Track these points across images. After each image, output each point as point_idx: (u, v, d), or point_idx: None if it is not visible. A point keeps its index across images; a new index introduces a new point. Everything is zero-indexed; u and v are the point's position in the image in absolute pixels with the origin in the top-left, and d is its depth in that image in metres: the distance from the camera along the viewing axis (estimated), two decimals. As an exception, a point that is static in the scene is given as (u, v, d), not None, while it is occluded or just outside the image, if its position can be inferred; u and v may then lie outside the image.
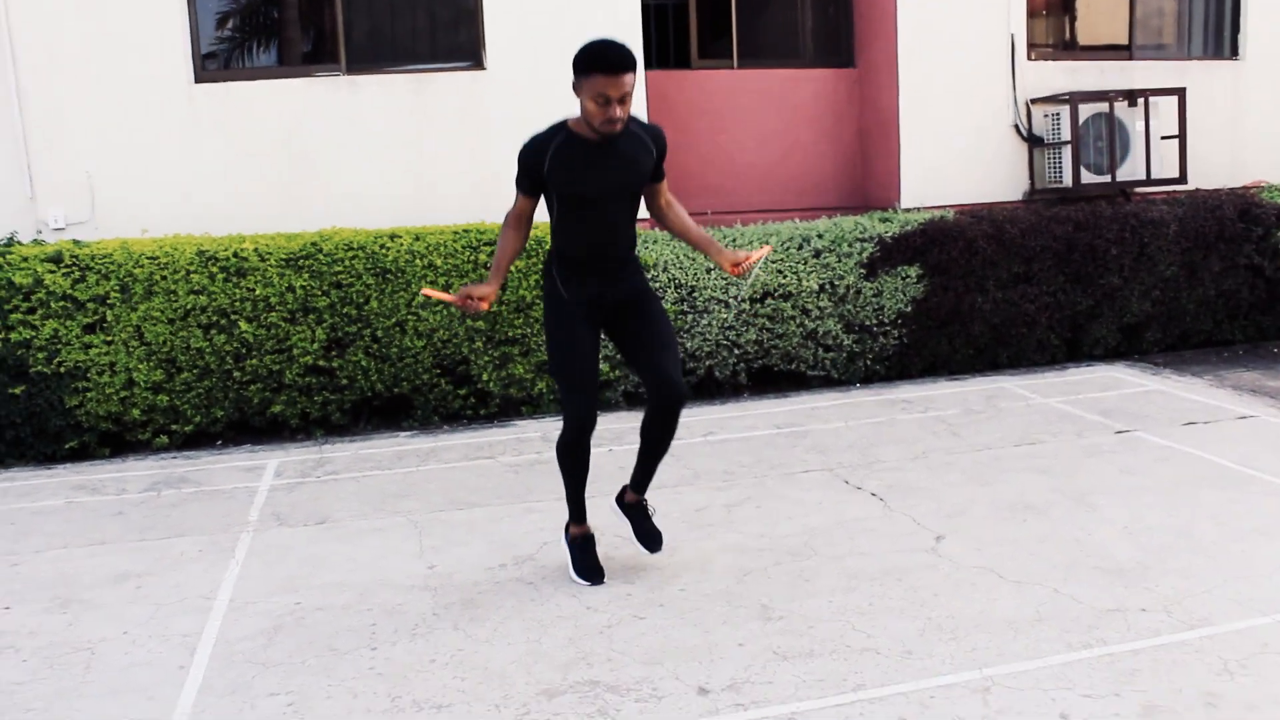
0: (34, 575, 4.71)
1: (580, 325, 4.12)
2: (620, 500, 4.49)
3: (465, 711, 3.30)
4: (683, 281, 7.07)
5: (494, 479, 5.69)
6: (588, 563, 4.31)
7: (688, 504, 5.13)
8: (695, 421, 6.61)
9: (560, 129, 3.98)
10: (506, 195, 7.71)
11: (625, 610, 3.98)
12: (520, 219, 4.14)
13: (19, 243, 6.95)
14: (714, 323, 7.12)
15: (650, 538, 4.38)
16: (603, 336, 4.28)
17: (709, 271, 7.10)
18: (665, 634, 3.77)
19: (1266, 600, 3.81)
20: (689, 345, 7.11)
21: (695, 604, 4.01)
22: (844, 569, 4.28)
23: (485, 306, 4.03)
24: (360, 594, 4.27)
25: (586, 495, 4.36)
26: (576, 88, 3.85)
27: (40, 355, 6.49)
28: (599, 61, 3.75)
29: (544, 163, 3.95)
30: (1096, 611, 3.78)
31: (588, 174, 3.94)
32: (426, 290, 4.08)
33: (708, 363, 7.21)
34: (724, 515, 4.95)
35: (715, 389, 7.31)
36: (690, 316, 7.09)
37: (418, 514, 5.16)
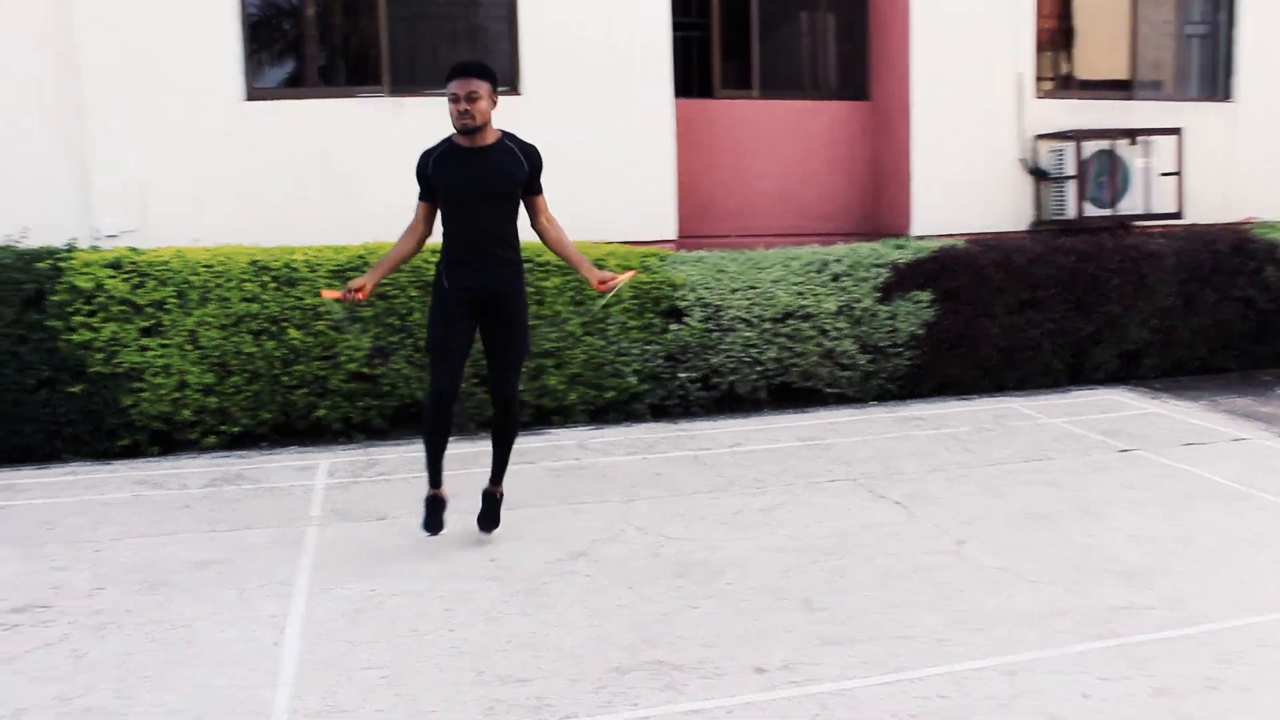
0: (118, 560, 5.06)
1: (454, 311, 4.81)
2: (485, 490, 5.23)
3: (546, 685, 3.67)
4: (709, 301, 7.46)
5: (537, 483, 6.07)
6: (432, 519, 5.06)
7: (724, 508, 5.51)
8: (721, 433, 7.01)
9: (445, 141, 4.80)
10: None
11: (679, 601, 4.35)
12: (415, 225, 4.92)
13: (79, 248, 7.29)
14: (737, 341, 7.51)
15: (486, 521, 5.19)
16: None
17: (734, 292, 7.49)
18: (719, 621, 4.15)
19: (1261, 601, 4.23)
20: (714, 361, 7.49)
21: (743, 596, 4.39)
22: (875, 568, 4.67)
23: (361, 297, 4.76)
24: (431, 583, 4.64)
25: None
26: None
27: (99, 356, 6.84)
28: (450, 71, 4.65)
29: (428, 167, 4.76)
30: (1108, 608, 4.18)
31: (459, 175, 4.70)
32: (324, 293, 4.95)
33: (730, 378, 7.60)
34: (759, 519, 5.33)
35: (737, 403, 7.69)
36: (715, 334, 7.48)
37: (469, 514, 5.49)
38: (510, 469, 6.31)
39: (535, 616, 4.26)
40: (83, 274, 6.88)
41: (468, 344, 4.92)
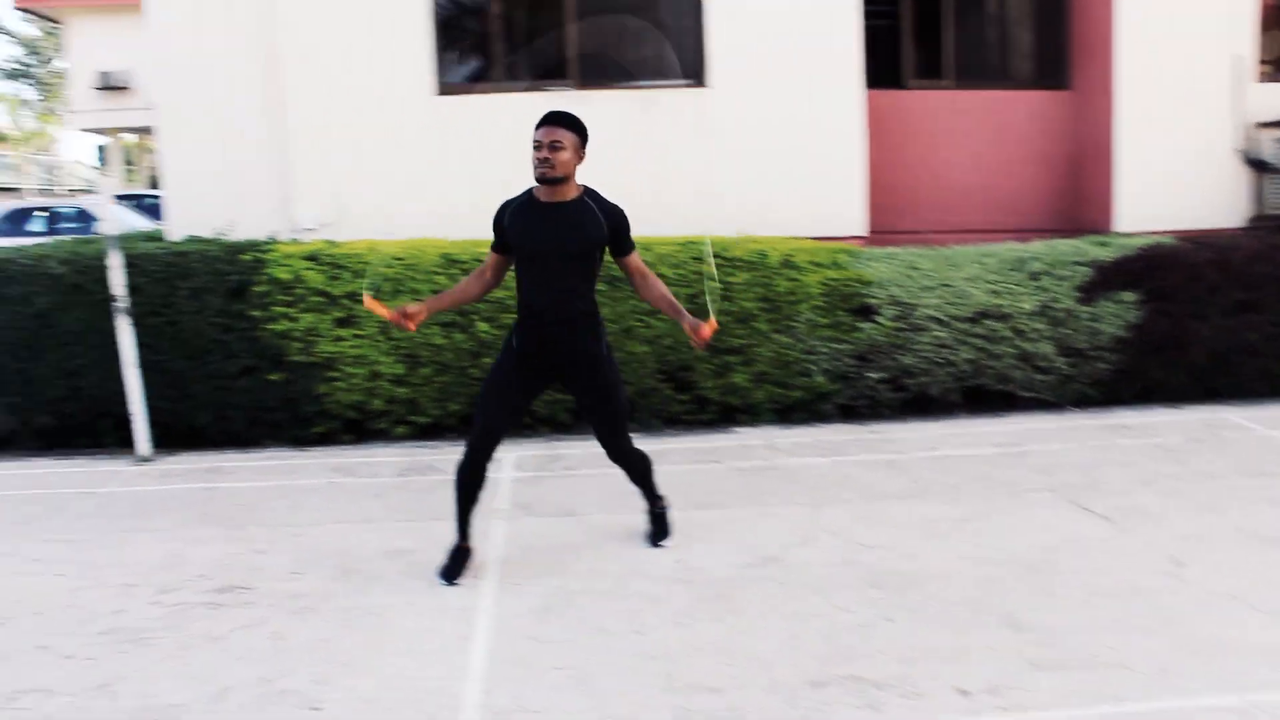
0: (315, 546, 5.18)
1: (514, 369, 4.64)
2: (645, 509, 5.17)
3: (739, 695, 3.57)
4: (901, 299, 7.23)
5: (724, 482, 5.97)
6: (450, 568, 4.74)
7: (919, 515, 5.30)
8: (914, 437, 6.78)
9: (525, 194, 4.62)
10: (730, 208, 8.11)
11: (874, 612, 4.19)
12: (483, 271, 4.78)
13: (279, 242, 7.54)
14: (929, 341, 7.25)
15: (654, 536, 5.10)
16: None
17: (926, 290, 7.24)
18: (917, 635, 3.97)
19: None
20: (905, 361, 7.25)
21: (942, 609, 4.19)
22: (1084, 585, 4.40)
23: (411, 327, 4.53)
24: (619, 582, 4.59)
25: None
26: None
27: (297, 345, 7.05)
28: (539, 121, 4.51)
29: (504, 219, 4.60)
30: (1352, 643, 3.83)
31: (535, 231, 4.50)
32: (367, 300, 4.61)
33: (922, 379, 7.35)
34: (957, 528, 5.11)
35: (927, 405, 7.43)
36: (906, 333, 7.24)
37: (657, 510, 5.46)
38: (695, 466, 6.29)
39: (725, 622, 4.17)
40: (282, 266, 7.10)
41: (519, 401, 4.73)
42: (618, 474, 6.08)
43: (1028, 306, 7.34)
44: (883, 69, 9.49)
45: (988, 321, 7.32)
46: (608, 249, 4.61)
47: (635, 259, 4.67)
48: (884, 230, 8.74)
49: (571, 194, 4.55)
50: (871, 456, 6.41)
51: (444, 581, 4.66)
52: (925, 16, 9.45)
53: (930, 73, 9.47)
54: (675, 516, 5.33)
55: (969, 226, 8.97)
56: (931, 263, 7.44)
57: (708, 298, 5.11)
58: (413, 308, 4.56)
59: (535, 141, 4.45)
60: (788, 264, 7.17)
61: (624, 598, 4.43)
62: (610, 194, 8.33)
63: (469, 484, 4.64)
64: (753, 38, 8.26)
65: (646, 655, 3.90)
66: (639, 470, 4.99)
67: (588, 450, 6.62)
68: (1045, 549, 4.81)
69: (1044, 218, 9.42)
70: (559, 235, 4.48)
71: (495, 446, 4.61)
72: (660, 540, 5.05)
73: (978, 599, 4.28)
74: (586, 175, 8.21)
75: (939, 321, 7.26)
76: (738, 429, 7.12)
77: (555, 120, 4.49)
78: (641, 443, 6.77)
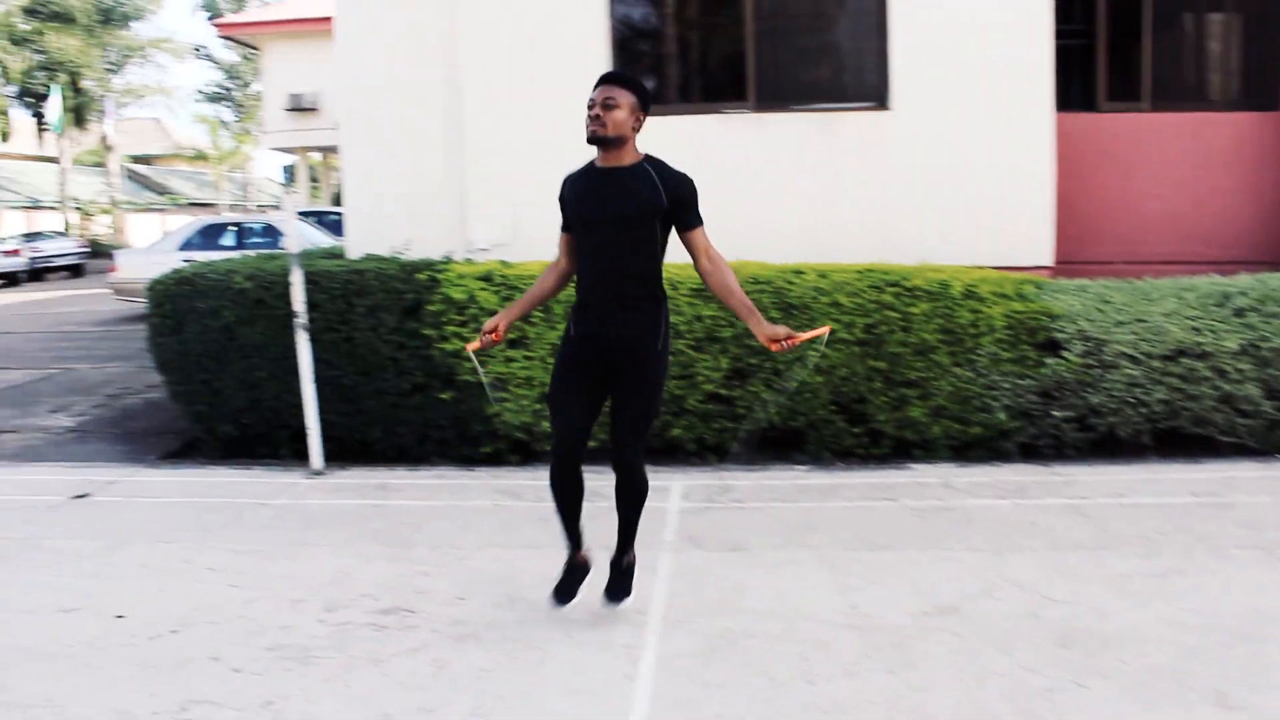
0: (480, 570, 5.15)
1: (576, 360, 4.25)
2: (611, 558, 4.57)
3: (916, 758, 3.34)
4: (1090, 334, 6.82)
5: (899, 522, 5.70)
6: (563, 587, 4.48)
7: (1111, 569, 4.94)
8: (1101, 481, 6.37)
9: (588, 164, 4.26)
10: (907, 235, 7.84)
11: (1063, 674, 3.89)
12: (558, 259, 4.42)
13: (454, 261, 7.60)
14: (1120, 379, 6.83)
15: (612, 592, 4.52)
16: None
17: (1119, 325, 6.82)
18: (1111, 706, 3.66)
19: None
20: (1093, 400, 6.85)
21: (1139, 678, 3.86)
22: (1303, 659, 4.01)
23: (495, 339, 4.35)
24: (787, 625, 4.39)
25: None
26: None
27: (468, 365, 7.08)
28: (596, 81, 4.17)
29: (564, 191, 4.28)
30: None
31: (587, 198, 4.17)
32: (469, 346, 4.48)
33: (1110, 419, 6.92)
34: (1153, 586, 4.73)
35: (1116, 447, 7.00)
36: (1096, 370, 6.83)
37: (829, 550, 5.24)
38: (869, 503, 6.04)
39: (899, 675, 3.93)
40: (457, 285, 7.15)
41: (593, 398, 4.27)
42: (790, 508, 5.95)
43: (1231, 345, 6.84)
44: (1072, 91, 9.07)
45: (1186, 360, 6.84)
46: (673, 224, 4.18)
47: (701, 237, 4.17)
48: (1069, 261, 8.32)
49: (629, 159, 4.15)
50: (1055, 500, 6.04)
51: (556, 602, 4.43)
52: (1122, 35, 8.98)
53: (1126, 94, 8.99)
54: (840, 557, 5.12)
55: (1164, 258, 8.46)
56: (1125, 296, 7.01)
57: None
58: (490, 323, 4.34)
59: (589, 101, 4.11)
60: (971, 294, 6.85)
61: (793, 642, 4.23)
62: (783, 219, 8.23)
63: (564, 493, 4.31)
64: (938, 58, 7.96)
65: (815, 707, 3.70)
66: (634, 495, 4.38)
67: (759, 482, 6.49)
68: (1257, 616, 4.40)
69: (1249, 249, 8.83)
70: (611, 202, 4.10)
71: (582, 445, 4.23)
72: (619, 599, 4.50)
73: (1179, 669, 3.93)
74: (758, 195, 8.09)
75: (1132, 359, 6.83)
76: (912, 465, 6.83)
77: (612, 79, 4.17)
78: (811, 475, 6.65)
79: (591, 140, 4.11)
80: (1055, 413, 6.90)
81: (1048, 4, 7.86)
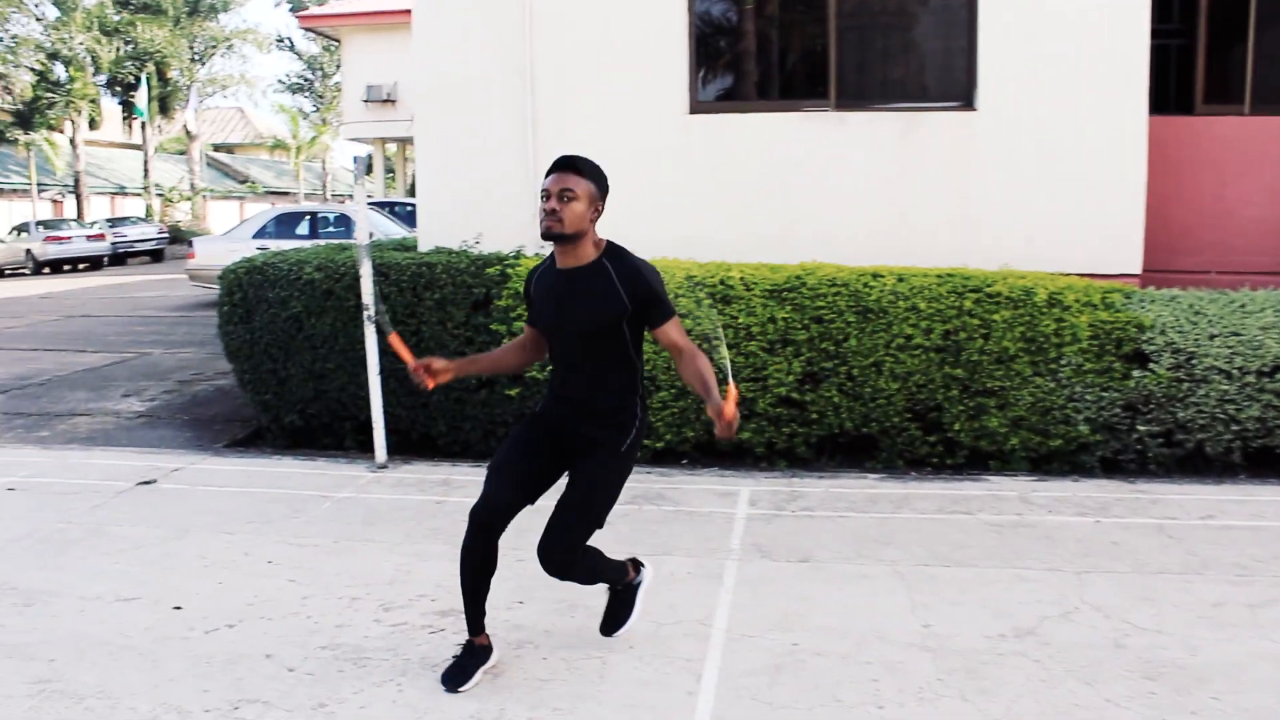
0: (539, 573, 4.85)
1: (531, 438, 3.85)
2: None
3: (992, 795, 3.15)
4: (1181, 346, 6.54)
5: (975, 537, 5.48)
6: (454, 671, 3.93)
7: (1200, 596, 4.68)
8: (1189, 500, 6.09)
9: (550, 257, 3.83)
10: (987, 239, 7.59)
11: (1152, 711, 3.66)
12: (523, 343, 4.04)
13: (525, 256, 7.50)
14: (1212, 394, 6.53)
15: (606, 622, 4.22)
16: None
17: (1212, 338, 6.52)
18: (1204, 745, 3.45)
19: None
20: (1181, 415, 6.56)
21: (1233, 718, 3.63)
22: None
23: (430, 384, 3.79)
24: (856, 644, 4.21)
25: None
26: None
27: (537, 363, 6.95)
28: (550, 167, 3.70)
29: (530, 288, 3.91)
30: None
31: (547, 303, 3.78)
32: (394, 339, 3.88)
33: (1199, 436, 6.63)
34: (1247, 616, 4.47)
35: (1204, 465, 6.70)
36: (1185, 385, 6.54)
37: (901, 565, 5.04)
38: (944, 515, 5.82)
39: (973, 703, 3.73)
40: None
41: (537, 476, 3.82)
42: (861, 519, 5.76)
43: (1332, 362, 6.52)
44: (1167, 92, 8.75)
45: (1283, 376, 6.54)
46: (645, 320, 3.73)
47: (671, 332, 3.70)
48: (1159, 269, 8.00)
49: (588, 256, 3.68)
50: (1139, 520, 5.77)
51: (445, 685, 3.87)
52: (1223, 34, 8.63)
53: (1225, 96, 8.63)
54: (913, 573, 4.93)
55: (1262, 268, 8.11)
56: (1219, 308, 6.70)
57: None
58: (439, 364, 3.82)
59: (543, 191, 3.65)
60: (1055, 302, 6.59)
61: (862, 663, 4.05)
62: (861, 219, 8.02)
63: (471, 566, 3.82)
64: (1028, 58, 7.70)
65: (887, 734, 3.53)
66: (586, 575, 3.95)
67: (828, 490, 6.31)
68: (1359, 651, 4.14)
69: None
70: (574, 310, 3.69)
71: (503, 520, 3.75)
72: (616, 628, 4.18)
73: (1278, 710, 3.69)
74: (836, 195, 7.89)
75: (1224, 374, 6.53)
76: (988, 477, 6.59)
77: (568, 165, 3.66)
78: (883, 485, 6.43)
79: (546, 237, 3.65)
80: (1140, 427, 6.62)
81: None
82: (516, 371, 4.19)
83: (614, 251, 3.72)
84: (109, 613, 4.63)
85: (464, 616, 3.94)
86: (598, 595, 4.57)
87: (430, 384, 3.79)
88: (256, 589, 4.87)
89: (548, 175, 3.68)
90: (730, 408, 3.46)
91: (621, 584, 4.16)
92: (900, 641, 4.24)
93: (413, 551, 5.35)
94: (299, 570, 5.10)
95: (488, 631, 4.00)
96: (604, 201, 3.72)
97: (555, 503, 3.76)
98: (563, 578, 3.84)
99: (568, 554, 3.76)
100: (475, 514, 3.75)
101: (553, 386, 3.91)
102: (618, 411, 3.78)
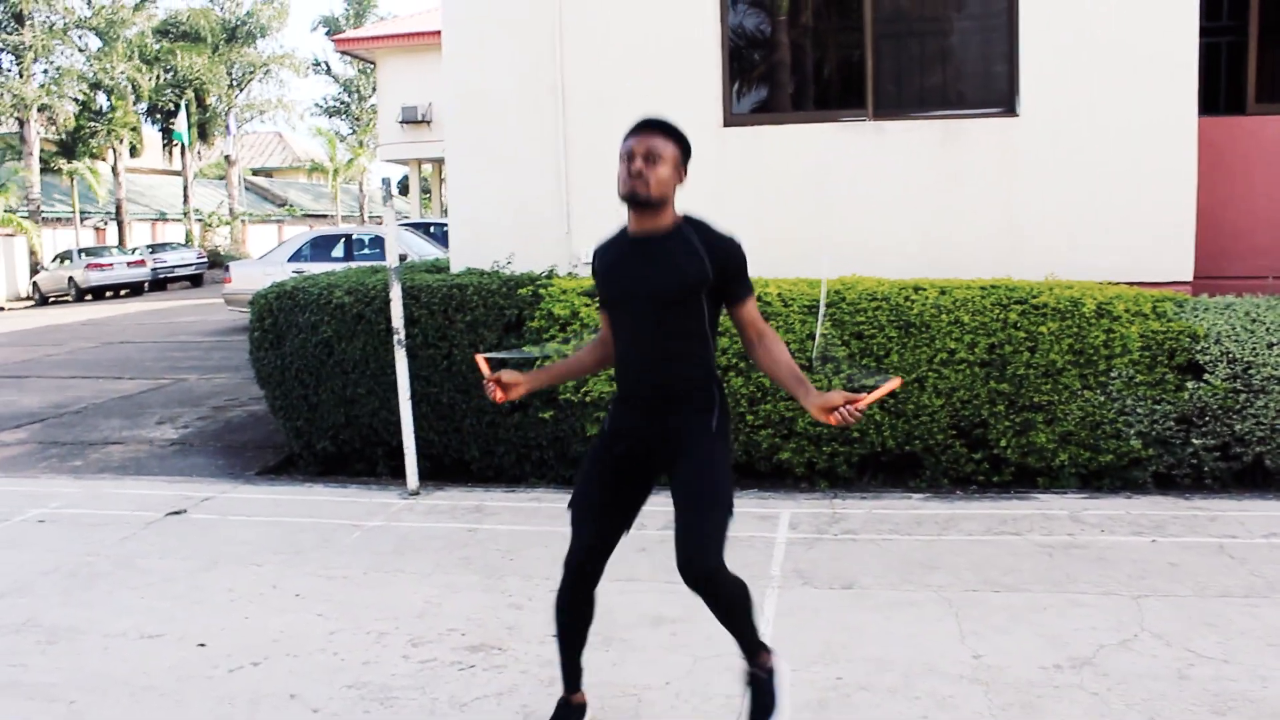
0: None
1: (612, 458, 3.50)
2: (742, 669, 3.66)
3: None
4: (1237, 356, 6.29)
5: (1026, 560, 5.26)
6: None
7: (1268, 621, 4.44)
8: (1250, 517, 5.83)
9: (620, 230, 3.52)
10: (1031, 250, 7.37)
11: (1222, 747, 3.46)
12: (603, 334, 3.65)
13: (557, 275, 7.37)
14: (1271, 405, 6.27)
15: (753, 714, 3.53)
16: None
17: (1271, 347, 6.27)
18: (1280, 787, 3.22)
19: None
20: (1238, 427, 6.30)
21: (1310, 753, 3.41)
22: None
23: (500, 398, 3.52)
24: (904, 677, 4.02)
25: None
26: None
27: (569, 384, 6.82)
28: (632, 127, 3.42)
29: (595, 263, 3.58)
30: None
31: (621, 272, 3.44)
32: (478, 358, 3.63)
33: (1258, 449, 6.36)
34: (1319, 642, 4.24)
35: (1264, 480, 6.44)
36: (1244, 396, 6.29)
37: (949, 590, 4.84)
38: (992, 537, 5.60)
39: (1032, 741, 3.54)
40: (560, 301, 6.92)
41: (624, 506, 3.52)
42: (906, 542, 5.55)
43: (1397, 370, 6.24)
44: (1217, 92, 8.48)
45: (1346, 386, 6.27)
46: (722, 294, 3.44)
47: (750, 310, 3.43)
48: (1210, 276, 7.73)
49: (667, 223, 3.40)
50: (1198, 539, 5.53)
51: None
52: (1271, 32, 8.35)
53: (1274, 95, 8.35)
54: (962, 599, 4.71)
55: (1320, 274, 7.82)
56: (1277, 315, 6.45)
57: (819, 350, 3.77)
58: (510, 377, 3.53)
59: (626, 151, 3.37)
60: (1104, 313, 6.37)
61: (910, 698, 3.85)
62: (901, 231, 7.82)
63: (568, 618, 3.57)
64: (1071, 62, 7.47)
65: (937, 776, 3.34)
66: (727, 605, 3.45)
67: (871, 511, 6.11)
68: None
69: None
70: (650, 276, 3.37)
71: (599, 562, 3.50)
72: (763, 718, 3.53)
73: (1357, 742, 3.47)
74: (875, 206, 7.70)
75: (1285, 384, 6.28)
76: (1037, 495, 6.36)
77: (654, 126, 3.41)
78: (928, 505, 6.22)
79: (627, 199, 3.36)
80: (1195, 441, 6.37)
81: None
82: (595, 372, 3.93)
83: (693, 221, 3.45)
84: (133, 651, 4.52)
85: (561, 671, 3.64)
86: (634, 628, 4.43)
87: (501, 397, 3.53)
88: (283, 624, 4.74)
89: (628, 138, 3.40)
90: (838, 400, 3.13)
91: (756, 662, 3.59)
92: (950, 674, 4.04)
93: (444, 582, 5.21)
94: (327, 604, 4.97)
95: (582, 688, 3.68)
96: (687, 167, 3.48)
97: (676, 514, 3.34)
98: (706, 591, 3.34)
99: (713, 553, 3.30)
100: (567, 563, 3.51)
101: (621, 384, 3.53)
102: (695, 392, 3.42)
